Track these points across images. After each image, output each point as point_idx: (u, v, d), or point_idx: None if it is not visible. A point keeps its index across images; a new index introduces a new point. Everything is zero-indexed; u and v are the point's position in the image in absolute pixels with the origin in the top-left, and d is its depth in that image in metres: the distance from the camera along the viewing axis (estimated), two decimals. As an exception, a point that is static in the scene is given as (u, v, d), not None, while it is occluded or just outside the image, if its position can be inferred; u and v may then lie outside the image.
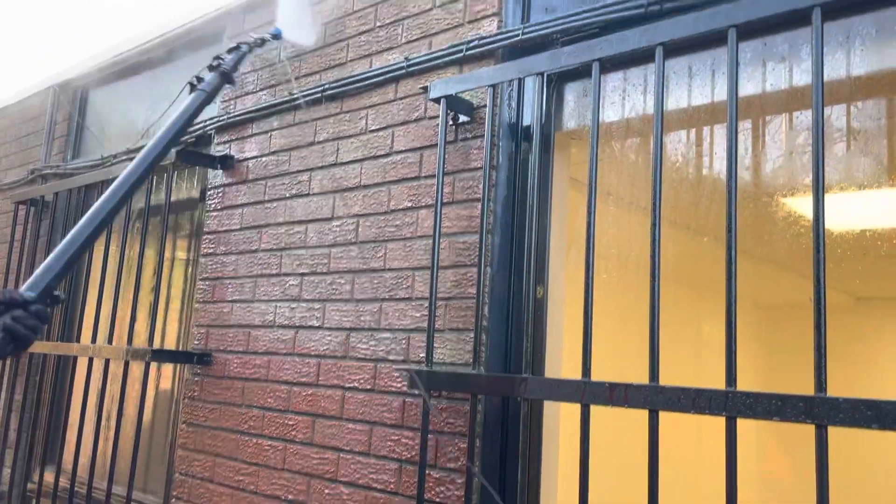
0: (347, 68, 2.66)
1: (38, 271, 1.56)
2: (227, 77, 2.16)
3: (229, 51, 2.25)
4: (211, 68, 2.17)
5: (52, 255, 1.59)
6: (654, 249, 1.59)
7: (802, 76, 1.65)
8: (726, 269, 1.45)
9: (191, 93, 2.05)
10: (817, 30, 1.45)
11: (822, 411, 1.31)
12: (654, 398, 1.50)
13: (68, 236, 1.66)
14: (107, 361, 2.96)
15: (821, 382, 1.33)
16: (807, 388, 1.36)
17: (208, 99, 2.08)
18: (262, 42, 2.36)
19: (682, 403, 1.46)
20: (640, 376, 1.62)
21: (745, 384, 1.46)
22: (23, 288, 1.48)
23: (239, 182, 2.95)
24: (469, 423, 1.90)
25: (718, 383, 1.50)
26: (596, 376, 1.65)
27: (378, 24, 2.59)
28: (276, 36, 2.42)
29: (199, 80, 2.12)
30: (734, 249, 1.46)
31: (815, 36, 1.45)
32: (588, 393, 1.60)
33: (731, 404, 1.40)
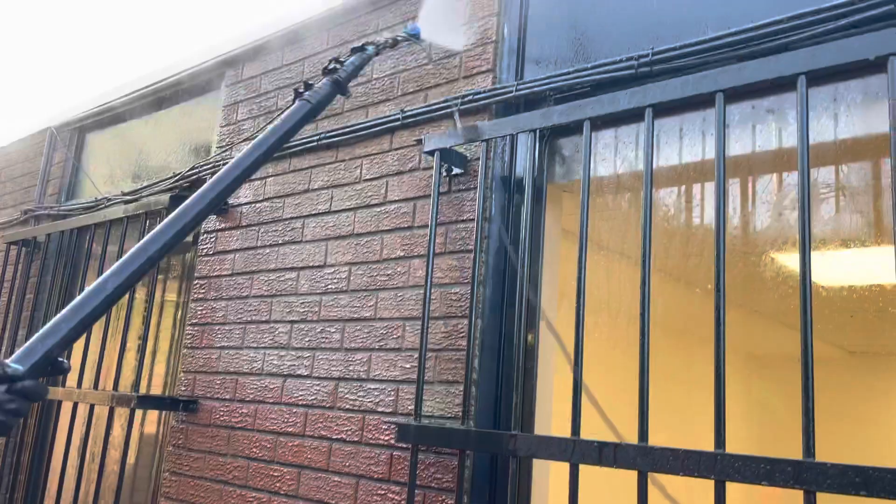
0: (344, 118, 2.69)
1: (39, 333, 1.23)
2: (339, 86, 1.77)
3: (353, 51, 1.84)
4: (325, 72, 1.77)
5: (64, 311, 1.26)
6: (643, 307, 1.60)
7: (790, 138, 1.68)
8: (714, 330, 1.45)
9: (294, 101, 1.69)
10: (802, 97, 1.48)
11: (810, 476, 1.30)
12: (643, 459, 1.48)
13: (93, 285, 1.28)
14: (91, 407, 2.92)
15: (809, 447, 1.33)
16: (798, 440, 1.36)
17: (313, 111, 1.71)
18: (395, 43, 2.00)
19: (671, 465, 1.45)
20: (631, 431, 1.61)
21: (734, 435, 1.44)
22: (13, 357, 1.20)
23: (232, 227, 2.95)
24: (457, 479, 1.87)
25: (709, 436, 1.49)
26: (586, 432, 1.64)
27: (375, 76, 2.63)
28: (415, 35, 2.03)
29: (308, 86, 1.72)
30: (723, 309, 1.47)
31: (800, 102, 1.49)
32: (577, 452, 1.58)
33: (719, 467, 1.39)
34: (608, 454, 1.53)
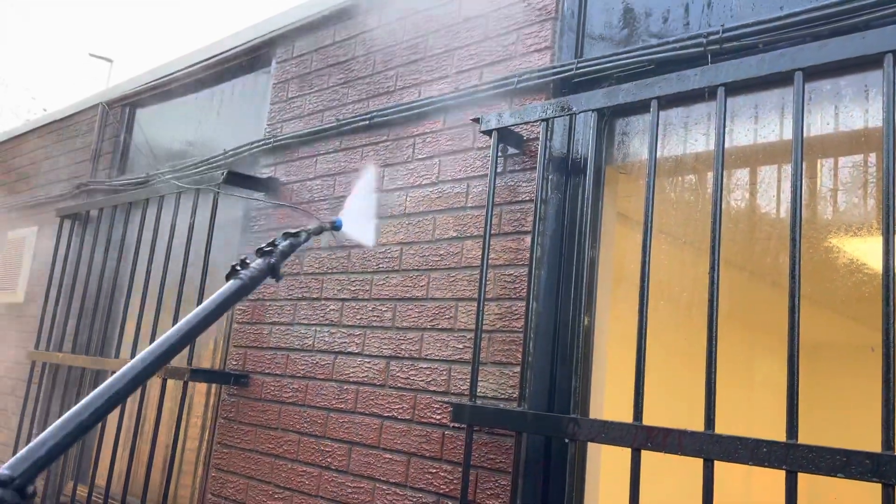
0: (396, 96, 2.67)
1: (37, 440, 1.17)
2: (273, 270, 1.79)
3: (285, 235, 1.89)
4: (259, 252, 1.78)
5: (61, 419, 1.23)
6: (711, 293, 1.56)
7: (870, 119, 1.62)
8: (789, 318, 1.42)
9: (228, 279, 1.67)
10: (889, 76, 1.42)
11: (890, 469, 1.26)
12: (710, 447, 1.46)
13: (88, 398, 1.28)
14: (145, 378, 2.98)
15: (889, 440, 1.29)
16: (846, 429, 1.33)
17: (244, 290, 1.69)
18: (321, 231, 2.11)
19: (740, 454, 1.42)
20: (685, 419, 1.59)
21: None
22: (9, 462, 1.12)
23: (283, 204, 2.96)
24: (514, 462, 1.87)
25: (768, 423, 1.45)
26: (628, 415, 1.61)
27: (428, 53, 2.60)
28: (337, 227, 2.20)
29: (243, 264, 1.70)
30: (797, 298, 1.43)
31: (886, 82, 1.42)
32: (640, 437, 1.56)
33: (791, 458, 1.36)
34: (673, 441, 1.51)
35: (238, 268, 1.68)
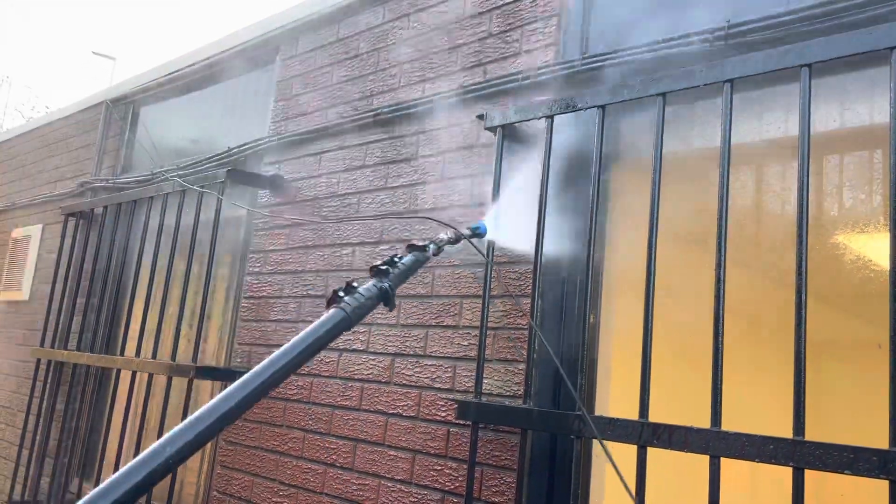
0: (400, 93, 2.67)
1: (89, 496, 1.03)
2: (386, 297, 1.41)
3: (410, 248, 1.53)
4: (374, 272, 1.42)
5: (114, 477, 1.08)
6: (718, 290, 1.55)
7: (876, 115, 1.61)
8: (795, 315, 1.41)
9: (328, 307, 1.34)
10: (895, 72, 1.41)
11: (897, 467, 1.25)
12: (717, 444, 1.45)
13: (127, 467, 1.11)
14: (150, 376, 2.98)
15: (896, 436, 1.28)
16: (854, 426, 1.33)
17: (348, 323, 1.34)
18: (458, 239, 1.74)
19: (747, 451, 1.41)
20: (689, 416, 1.58)
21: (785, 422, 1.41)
22: None
23: (287, 202, 2.96)
24: (519, 459, 1.86)
25: (773, 421, 1.45)
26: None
27: (432, 50, 2.60)
28: (478, 233, 1.83)
29: (350, 288, 1.36)
30: (804, 295, 1.42)
31: (892, 77, 1.42)
32: (646, 435, 1.56)
33: (799, 455, 1.35)
34: (679, 437, 1.50)
35: (341, 294, 1.36)
